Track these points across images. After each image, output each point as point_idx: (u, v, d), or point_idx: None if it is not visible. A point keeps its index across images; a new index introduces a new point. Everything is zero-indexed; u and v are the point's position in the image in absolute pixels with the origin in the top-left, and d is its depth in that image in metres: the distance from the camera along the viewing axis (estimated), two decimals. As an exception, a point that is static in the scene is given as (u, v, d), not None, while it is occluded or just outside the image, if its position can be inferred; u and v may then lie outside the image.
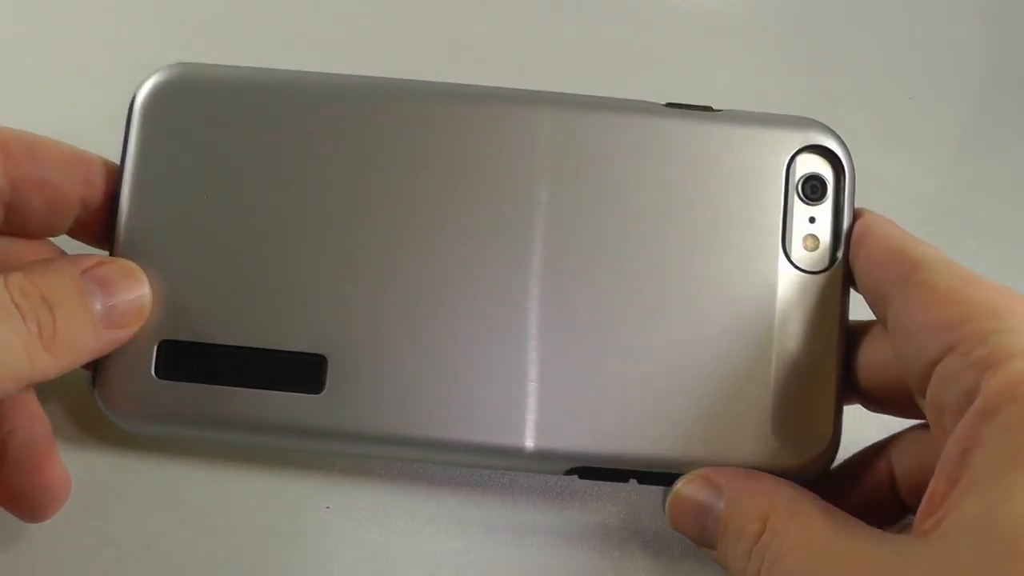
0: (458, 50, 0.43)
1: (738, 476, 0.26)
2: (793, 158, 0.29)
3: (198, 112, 0.28)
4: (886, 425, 0.28)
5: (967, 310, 0.23)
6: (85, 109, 0.33)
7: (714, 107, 0.29)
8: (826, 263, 0.28)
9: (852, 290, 0.28)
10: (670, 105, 0.29)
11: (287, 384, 0.25)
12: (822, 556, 0.22)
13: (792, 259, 0.28)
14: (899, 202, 0.40)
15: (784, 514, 0.24)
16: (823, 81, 0.45)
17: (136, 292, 0.26)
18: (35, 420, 0.26)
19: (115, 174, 0.27)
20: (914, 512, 0.24)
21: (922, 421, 0.27)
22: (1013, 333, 0.22)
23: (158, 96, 0.28)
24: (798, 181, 0.29)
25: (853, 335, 0.28)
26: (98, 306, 0.25)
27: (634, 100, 0.29)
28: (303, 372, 0.26)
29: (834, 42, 0.47)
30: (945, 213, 0.40)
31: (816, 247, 0.28)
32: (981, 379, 0.22)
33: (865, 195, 0.39)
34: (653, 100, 0.29)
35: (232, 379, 0.25)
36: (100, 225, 0.27)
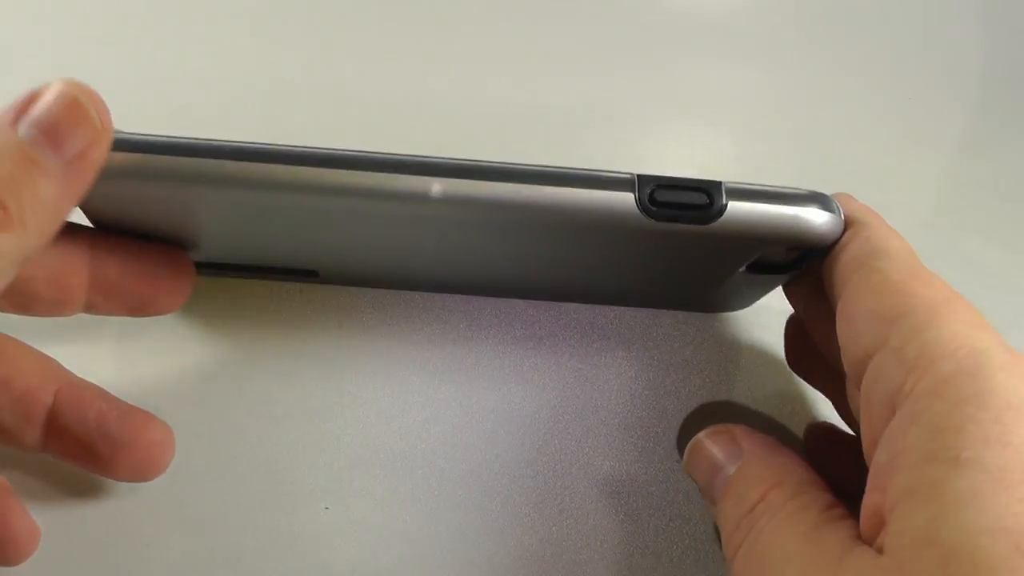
0: (459, 50, 0.43)
1: (763, 444, 0.25)
2: None
3: None
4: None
5: (908, 304, 0.22)
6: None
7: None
8: None
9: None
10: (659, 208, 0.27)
11: None
12: (794, 550, 0.22)
13: None
14: (899, 202, 0.40)
15: (786, 493, 0.24)
16: (823, 81, 0.45)
17: (89, 130, 0.22)
18: None
19: None
20: None
21: None
22: (945, 333, 0.22)
23: None
24: None
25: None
26: (52, 161, 0.21)
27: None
28: None
29: (834, 42, 0.47)
30: (945, 213, 0.40)
31: None
32: (907, 379, 0.21)
33: (866, 195, 0.39)
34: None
35: None
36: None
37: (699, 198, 0.26)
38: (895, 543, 0.20)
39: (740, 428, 0.26)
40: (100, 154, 0.22)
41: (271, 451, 0.29)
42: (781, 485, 0.24)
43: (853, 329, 0.24)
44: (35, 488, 0.27)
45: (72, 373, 0.26)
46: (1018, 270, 0.38)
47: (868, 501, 0.22)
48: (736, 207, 0.26)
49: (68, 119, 0.22)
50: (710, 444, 0.26)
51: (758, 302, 0.32)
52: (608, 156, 0.39)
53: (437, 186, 0.25)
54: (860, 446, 0.23)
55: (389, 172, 0.25)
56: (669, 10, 0.46)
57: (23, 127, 0.21)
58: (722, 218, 0.26)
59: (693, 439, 0.26)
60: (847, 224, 0.26)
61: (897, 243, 0.25)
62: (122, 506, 0.27)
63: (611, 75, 0.43)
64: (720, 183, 0.26)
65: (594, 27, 0.45)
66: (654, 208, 0.26)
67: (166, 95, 0.39)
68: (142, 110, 0.38)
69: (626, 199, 0.26)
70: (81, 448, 0.25)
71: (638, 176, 0.26)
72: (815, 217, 0.26)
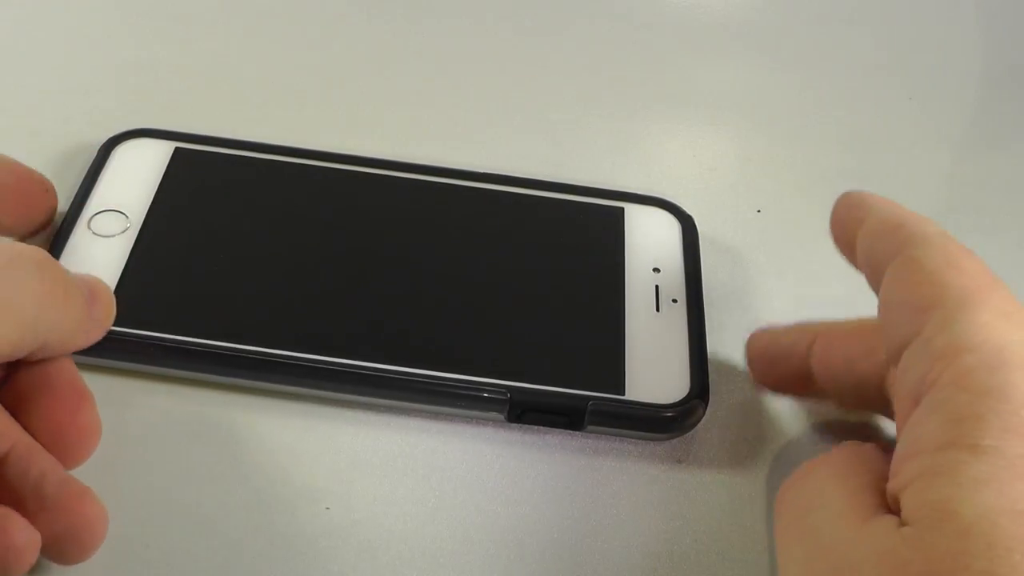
0: (459, 48, 0.43)
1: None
2: None
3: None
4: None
5: (940, 294, 0.23)
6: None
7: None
8: None
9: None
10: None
11: None
12: (835, 496, 0.23)
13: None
14: (899, 202, 0.40)
15: (852, 446, 0.25)
16: (823, 81, 0.45)
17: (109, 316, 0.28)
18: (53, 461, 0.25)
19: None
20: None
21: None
22: (974, 325, 0.22)
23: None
24: None
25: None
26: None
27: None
28: None
29: (834, 42, 0.47)
30: (945, 213, 0.40)
31: None
32: (932, 369, 0.22)
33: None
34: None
35: None
36: None
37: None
38: (912, 516, 0.20)
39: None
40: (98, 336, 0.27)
41: (271, 451, 0.29)
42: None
43: (891, 319, 0.24)
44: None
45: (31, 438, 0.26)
46: (1018, 270, 0.38)
47: (896, 469, 0.22)
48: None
49: (107, 303, 0.28)
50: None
51: None
52: (608, 156, 0.39)
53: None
54: None
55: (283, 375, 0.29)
56: (670, 10, 0.46)
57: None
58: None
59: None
60: (889, 223, 0.26)
61: (933, 229, 0.24)
62: (122, 506, 0.27)
63: (611, 75, 0.43)
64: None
65: (594, 26, 0.45)
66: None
67: (166, 94, 0.39)
68: (142, 110, 0.38)
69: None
70: (10, 500, 0.24)
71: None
72: None
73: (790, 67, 0.45)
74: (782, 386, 0.30)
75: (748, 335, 0.31)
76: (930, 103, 0.44)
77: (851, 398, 0.28)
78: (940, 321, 0.22)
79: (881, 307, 0.25)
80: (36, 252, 0.25)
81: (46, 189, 0.31)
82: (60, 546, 0.24)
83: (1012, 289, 0.25)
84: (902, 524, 0.20)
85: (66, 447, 0.25)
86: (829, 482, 0.23)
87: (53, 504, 0.24)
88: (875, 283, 0.25)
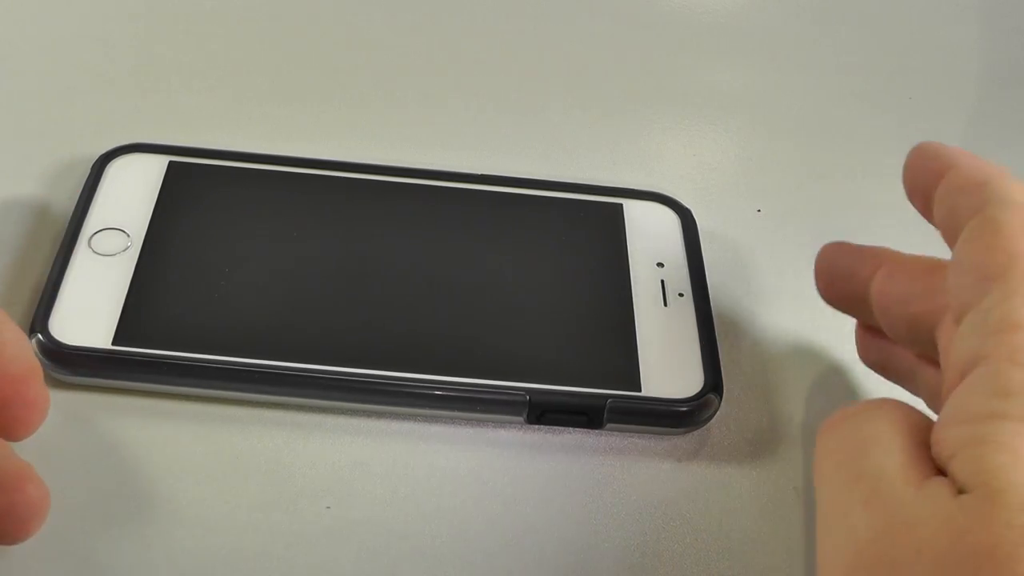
0: (462, 51, 0.43)
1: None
2: None
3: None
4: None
5: (1008, 265, 0.22)
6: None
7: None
8: None
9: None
10: None
11: None
12: (900, 446, 0.22)
13: None
14: (900, 202, 0.40)
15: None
16: (823, 81, 0.45)
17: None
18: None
19: None
20: None
21: None
22: None
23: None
24: None
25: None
26: None
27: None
28: None
29: (834, 42, 0.47)
30: (945, 213, 0.40)
31: None
32: (986, 342, 0.21)
33: (867, 195, 0.39)
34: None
35: None
36: None
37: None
38: (968, 484, 0.20)
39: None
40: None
41: (272, 451, 0.29)
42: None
43: (958, 281, 0.23)
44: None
45: None
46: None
47: (932, 452, 0.22)
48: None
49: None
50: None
51: None
52: (609, 156, 0.39)
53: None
54: None
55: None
56: (670, 9, 0.46)
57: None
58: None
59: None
60: (975, 181, 0.25)
61: (1017, 190, 0.24)
62: (122, 506, 0.27)
63: (611, 75, 0.43)
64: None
65: (594, 26, 0.45)
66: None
67: (164, 93, 0.39)
68: (142, 108, 0.38)
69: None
70: None
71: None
72: None
73: (790, 67, 0.45)
74: (841, 304, 0.30)
75: (821, 246, 0.30)
76: (930, 103, 0.44)
77: (901, 333, 0.27)
78: (1002, 293, 0.22)
79: (952, 265, 0.24)
80: None
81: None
82: None
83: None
84: (957, 490, 0.20)
85: (10, 421, 0.25)
86: (887, 429, 0.23)
87: None
88: (951, 239, 0.25)
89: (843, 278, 0.29)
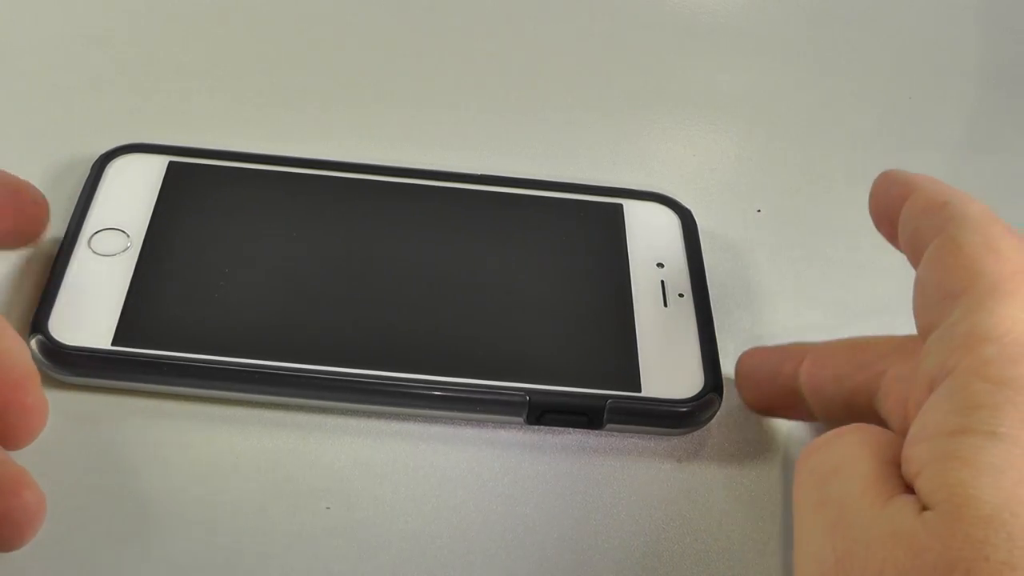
0: (463, 50, 0.43)
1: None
2: None
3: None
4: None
5: (971, 280, 0.22)
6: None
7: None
8: None
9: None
10: None
11: None
12: (866, 470, 0.22)
13: None
14: (899, 202, 0.40)
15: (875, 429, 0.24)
16: (823, 81, 0.45)
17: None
18: None
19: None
20: None
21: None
22: (998, 316, 0.22)
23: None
24: None
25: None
26: None
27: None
28: None
29: (834, 42, 0.47)
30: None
31: None
32: (950, 358, 0.22)
33: (866, 196, 0.39)
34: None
35: None
36: None
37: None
38: (931, 500, 0.20)
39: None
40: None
41: (272, 451, 0.29)
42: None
43: (923, 301, 0.24)
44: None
45: None
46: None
47: (902, 471, 0.22)
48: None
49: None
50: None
51: None
52: (608, 156, 0.39)
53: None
54: None
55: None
56: (670, 9, 0.46)
57: None
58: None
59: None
60: (933, 201, 0.25)
61: (977, 209, 0.24)
62: (123, 507, 0.27)
63: (611, 75, 0.43)
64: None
65: (594, 26, 0.45)
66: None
67: (164, 93, 0.39)
68: (140, 108, 0.38)
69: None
70: None
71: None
72: None
73: (790, 67, 0.45)
74: (770, 407, 0.30)
75: (739, 355, 0.31)
76: (930, 103, 0.44)
77: (840, 414, 0.28)
78: (966, 309, 0.22)
79: (916, 286, 0.25)
80: None
81: (36, 201, 0.31)
82: None
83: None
84: (922, 507, 0.20)
85: (8, 428, 0.24)
86: (856, 449, 0.23)
87: None
88: (916, 260, 0.25)
89: (769, 379, 0.29)
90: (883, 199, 0.28)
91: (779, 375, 0.29)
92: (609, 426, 0.30)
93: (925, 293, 0.24)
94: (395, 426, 0.29)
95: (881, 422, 0.25)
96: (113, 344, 0.29)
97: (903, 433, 0.24)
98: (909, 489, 0.21)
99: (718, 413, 0.30)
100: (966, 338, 0.22)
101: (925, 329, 0.24)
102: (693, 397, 0.30)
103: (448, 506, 0.28)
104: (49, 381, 0.28)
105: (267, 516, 0.27)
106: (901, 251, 0.27)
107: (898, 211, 0.26)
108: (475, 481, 0.29)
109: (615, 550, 0.27)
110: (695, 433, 0.30)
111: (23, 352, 0.25)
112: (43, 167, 0.34)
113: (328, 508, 0.27)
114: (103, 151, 0.34)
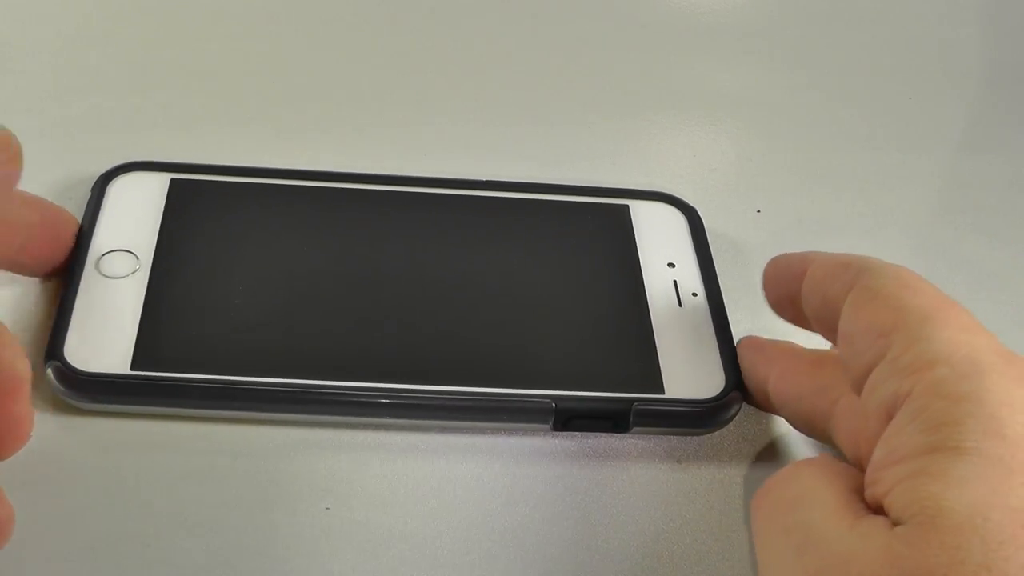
0: (463, 50, 0.43)
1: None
2: None
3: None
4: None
5: (900, 316, 0.23)
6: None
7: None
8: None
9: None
10: None
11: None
12: (829, 497, 0.23)
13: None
14: (900, 202, 0.40)
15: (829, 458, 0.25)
16: (823, 81, 0.45)
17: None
18: None
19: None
20: None
21: None
22: (937, 341, 0.22)
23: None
24: None
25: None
26: None
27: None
28: None
29: (834, 42, 0.47)
30: (945, 213, 0.40)
31: None
32: (904, 384, 0.22)
33: (867, 195, 0.39)
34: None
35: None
36: None
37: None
38: (903, 515, 0.21)
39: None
40: None
41: (272, 451, 0.29)
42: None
43: (853, 349, 0.24)
44: (38, 487, 0.27)
45: None
46: (1018, 270, 0.38)
47: (867, 495, 0.22)
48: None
49: None
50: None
51: None
52: (609, 157, 0.39)
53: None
54: None
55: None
56: (670, 10, 0.46)
57: None
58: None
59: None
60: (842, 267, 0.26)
61: (879, 261, 0.25)
62: (123, 507, 0.27)
63: (611, 76, 0.43)
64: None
65: (594, 27, 0.45)
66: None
67: (162, 92, 0.39)
68: (140, 108, 0.38)
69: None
70: None
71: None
72: None
73: (790, 67, 0.45)
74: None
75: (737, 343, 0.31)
76: (930, 103, 0.44)
77: (801, 426, 0.29)
78: (905, 340, 0.23)
79: (841, 339, 0.25)
80: None
81: (72, 230, 0.31)
82: None
83: (1012, 289, 0.25)
84: (892, 524, 0.21)
85: None
86: (818, 480, 0.23)
87: None
88: (828, 326, 0.26)
89: (748, 376, 0.30)
90: (780, 282, 0.29)
91: (756, 376, 0.30)
92: (635, 429, 0.30)
93: (852, 342, 0.24)
94: (411, 438, 0.29)
95: (832, 442, 0.27)
96: (132, 368, 0.28)
97: (856, 462, 0.25)
98: (874, 513, 0.22)
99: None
100: (915, 364, 0.22)
101: (860, 374, 0.24)
102: (716, 396, 0.30)
103: (449, 506, 0.28)
104: (65, 408, 0.28)
105: (267, 516, 0.27)
106: (808, 329, 0.28)
107: (797, 290, 0.27)
108: (474, 482, 0.29)
109: (615, 551, 0.27)
110: (680, 438, 0.30)
111: (16, 358, 0.25)
112: (42, 190, 0.33)
113: (328, 508, 0.27)
114: (100, 171, 0.33)
